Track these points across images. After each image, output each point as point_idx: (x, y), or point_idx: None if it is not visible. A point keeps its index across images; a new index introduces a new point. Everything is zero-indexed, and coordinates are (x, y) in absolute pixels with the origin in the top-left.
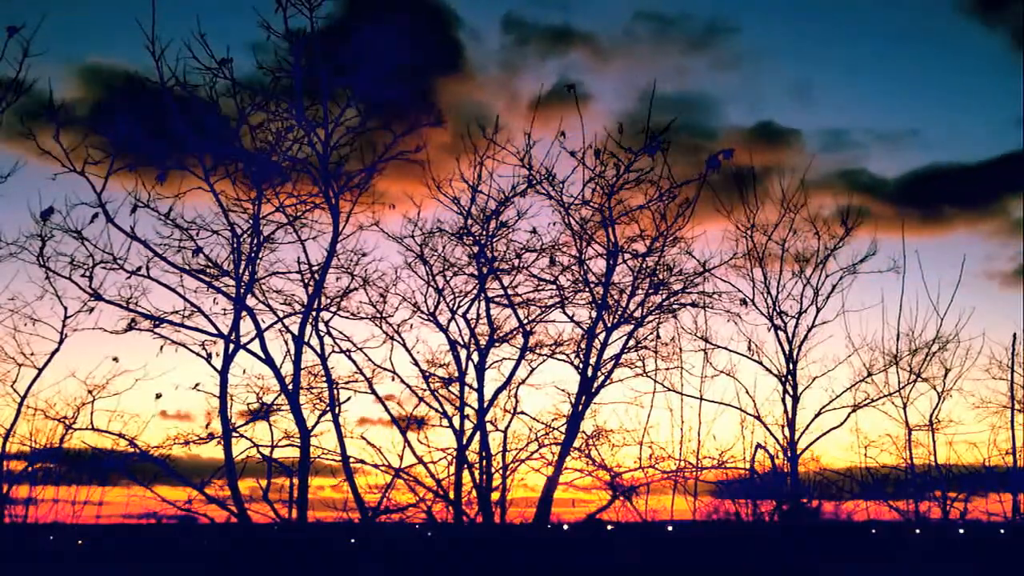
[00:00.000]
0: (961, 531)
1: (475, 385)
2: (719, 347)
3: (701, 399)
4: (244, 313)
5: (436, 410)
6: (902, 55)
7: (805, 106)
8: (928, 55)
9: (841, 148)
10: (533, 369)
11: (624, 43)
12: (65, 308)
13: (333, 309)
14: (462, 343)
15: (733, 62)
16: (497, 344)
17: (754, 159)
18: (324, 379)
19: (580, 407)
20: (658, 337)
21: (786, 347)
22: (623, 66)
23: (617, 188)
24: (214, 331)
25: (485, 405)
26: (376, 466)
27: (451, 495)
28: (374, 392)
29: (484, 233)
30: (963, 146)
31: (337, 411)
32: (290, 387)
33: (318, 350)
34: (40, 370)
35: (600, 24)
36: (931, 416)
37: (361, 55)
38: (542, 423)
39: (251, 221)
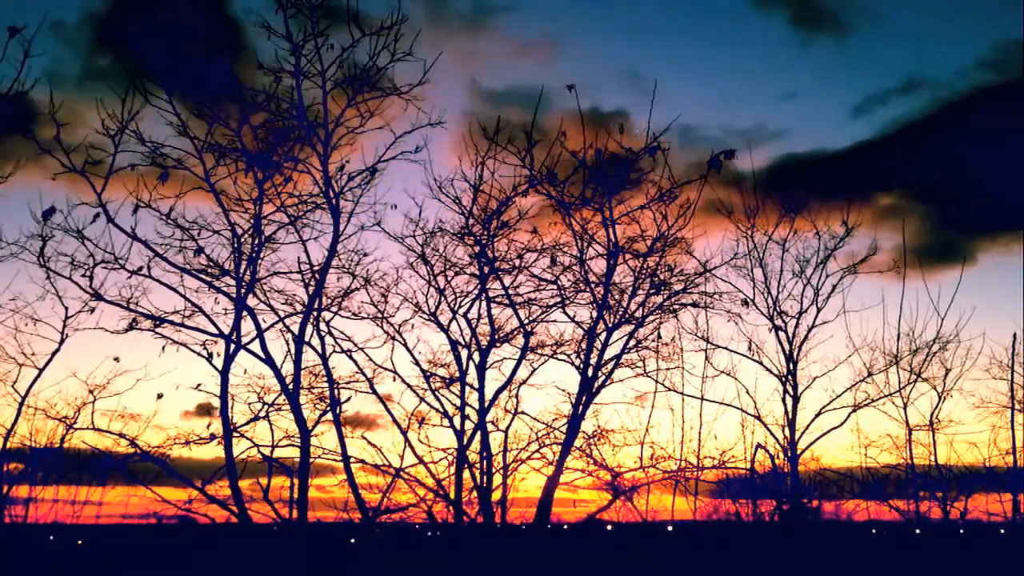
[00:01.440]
0: (961, 531)
1: (476, 385)
2: (720, 347)
3: (702, 399)
4: (245, 313)
5: (437, 410)
6: (717, 47)
7: (642, 101)
8: (738, 45)
9: (693, 143)
10: (534, 369)
11: (403, 23)
12: (66, 308)
13: (334, 309)
14: (463, 343)
15: (536, 49)
16: (498, 344)
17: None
18: (325, 379)
19: (581, 407)
20: (659, 337)
21: (786, 347)
22: (414, 48)
23: (618, 188)
24: (215, 331)
25: (486, 405)
26: (376, 466)
27: (451, 495)
28: (375, 392)
29: (485, 233)
30: (813, 137)
31: (338, 411)
32: (291, 387)
33: (319, 350)
34: (41, 370)
35: (367, 2)
36: (931, 416)
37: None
38: (543, 423)
39: (252, 221)
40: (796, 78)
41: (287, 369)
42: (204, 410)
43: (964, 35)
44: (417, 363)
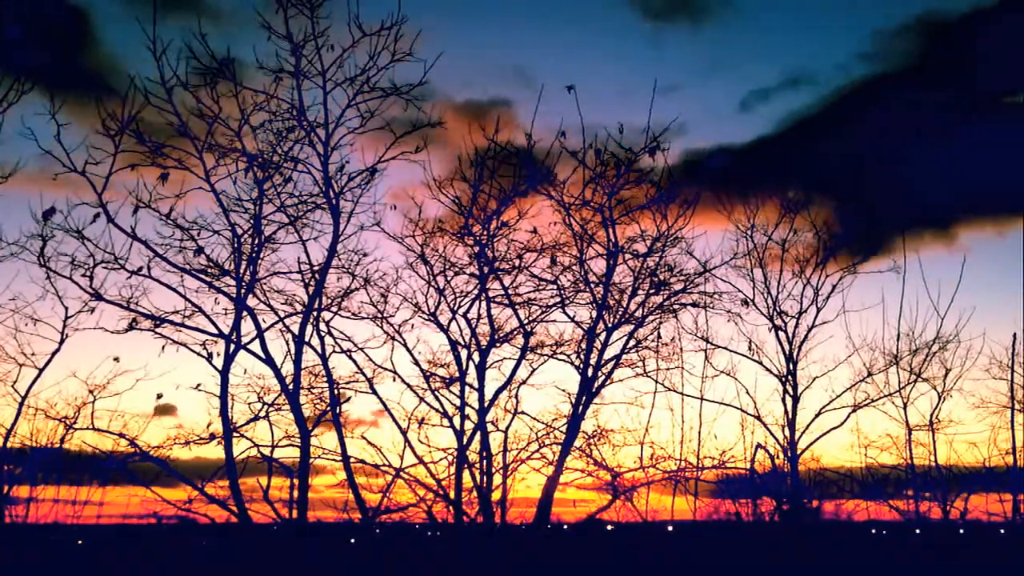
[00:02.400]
0: (961, 531)
1: (476, 385)
2: (719, 347)
3: (702, 399)
4: (245, 313)
5: (437, 410)
6: (581, 40)
7: (524, 94)
8: (598, 37)
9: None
10: (534, 369)
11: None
12: (66, 308)
13: (334, 309)
14: (463, 343)
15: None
16: (498, 344)
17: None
18: (325, 379)
19: (580, 407)
20: (659, 337)
21: (786, 347)
22: (251, 32)
23: (618, 188)
24: (215, 331)
25: (486, 405)
26: (376, 466)
27: (451, 495)
28: (375, 392)
29: (485, 233)
30: (706, 132)
31: (338, 411)
32: (291, 387)
33: (319, 350)
34: (41, 370)
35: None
36: (931, 416)
37: None
38: (543, 423)
39: (252, 221)
40: (670, 72)
41: (287, 369)
42: (162, 410)
43: (839, 27)
44: (417, 363)
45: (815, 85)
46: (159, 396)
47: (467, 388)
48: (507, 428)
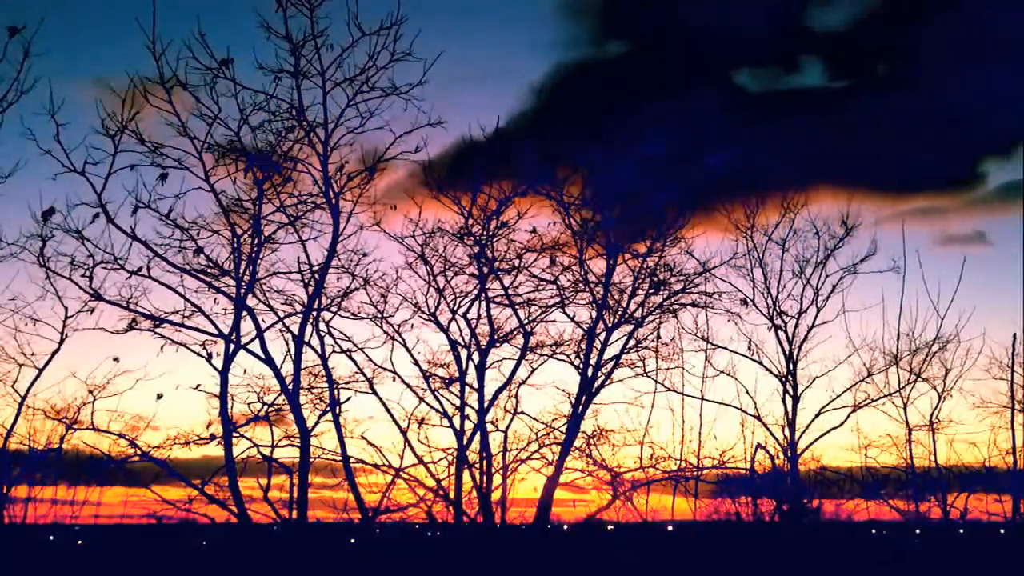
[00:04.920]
0: (961, 531)
1: (475, 385)
2: (719, 347)
3: (702, 399)
4: (244, 313)
5: (437, 410)
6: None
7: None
8: None
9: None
10: (533, 369)
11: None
12: (66, 308)
13: (334, 309)
14: (463, 343)
15: None
16: (497, 344)
17: None
18: (324, 379)
19: (580, 407)
20: (658, 337)
21: (786, 347)
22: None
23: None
24: (215, 331)
25: (485, 405)
26: (376, 466)
27: (451, 495)
28: (375, 392)
29: (485, 233)
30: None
31: (337, 411)
32: (290, 387)
33: (319, 350)
34: (40, 370)
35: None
36: (931, 416)
37: None
38: (542, 423)
39: (252, 221)
40: None
41: (287, 369)
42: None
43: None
44: (417, 363)
45: (520, 81)
46: (159, 396)
47: (467, 388)
48: (507, 428)
